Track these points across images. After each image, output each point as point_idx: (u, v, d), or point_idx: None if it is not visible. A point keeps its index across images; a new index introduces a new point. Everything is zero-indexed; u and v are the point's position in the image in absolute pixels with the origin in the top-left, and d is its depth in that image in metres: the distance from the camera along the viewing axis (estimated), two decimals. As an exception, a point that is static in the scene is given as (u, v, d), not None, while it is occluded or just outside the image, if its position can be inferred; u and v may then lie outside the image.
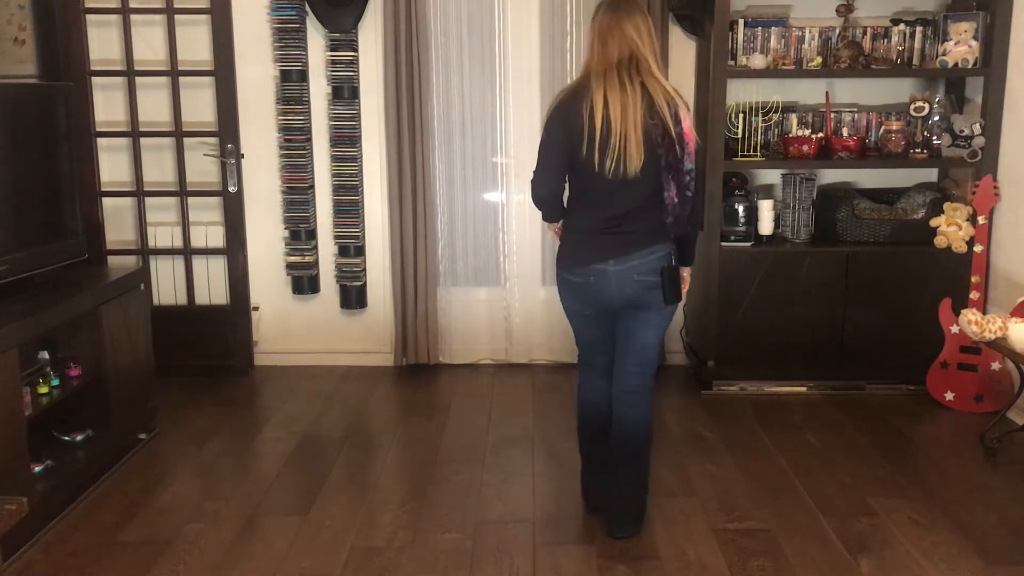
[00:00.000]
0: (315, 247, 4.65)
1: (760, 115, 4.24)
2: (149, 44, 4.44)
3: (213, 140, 4.48)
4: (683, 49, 4.47)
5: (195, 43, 4.43)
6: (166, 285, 4.61)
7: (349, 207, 4.58)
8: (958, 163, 4.14)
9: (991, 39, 4.01)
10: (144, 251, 4.55)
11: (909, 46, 4.22)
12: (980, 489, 3.26)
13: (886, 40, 4.22)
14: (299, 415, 4.06)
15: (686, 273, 2.88)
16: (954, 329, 3.99)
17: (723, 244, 4.18)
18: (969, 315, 3.53)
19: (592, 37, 2.74)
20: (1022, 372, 3.61)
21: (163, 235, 4.57)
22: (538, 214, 3.01)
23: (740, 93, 4.35)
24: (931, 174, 4.52)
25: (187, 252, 4.56)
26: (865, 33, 4.24)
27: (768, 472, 3.42)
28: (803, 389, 4.28)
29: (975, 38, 4.05)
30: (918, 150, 4.18)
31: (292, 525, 3.02)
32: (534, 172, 2.80)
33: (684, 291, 2.86)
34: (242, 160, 4.51)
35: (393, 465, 3.55)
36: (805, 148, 4.15)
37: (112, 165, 4.57)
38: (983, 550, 2.82)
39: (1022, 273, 3.90)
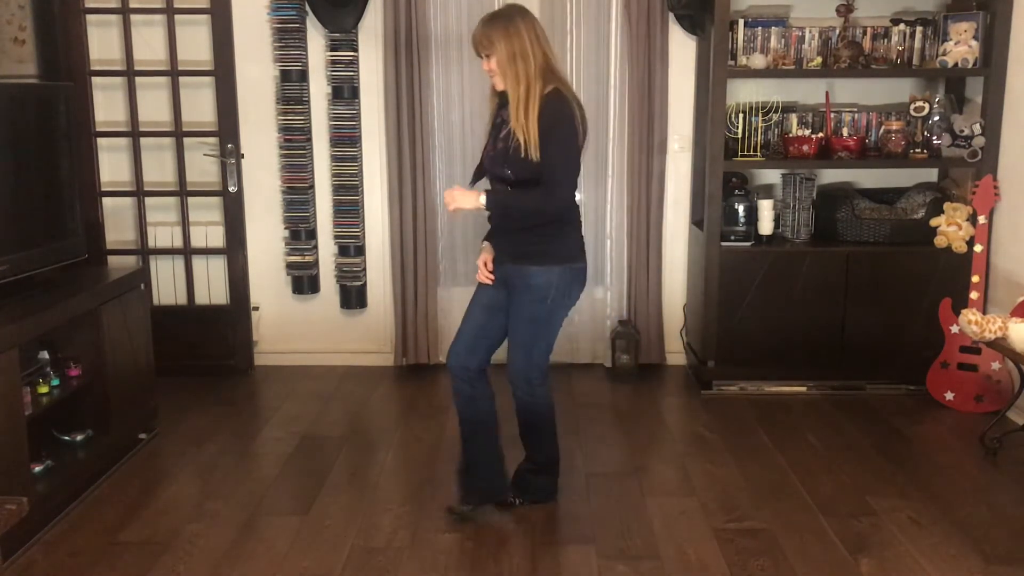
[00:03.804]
0: (315, 247, 4.65)
1: (760, 115, 4.24)
2: (149, 44, 4.44)
3: (213, 140, 4.48)
4: (683, 49, 4.47)
5: (195, 43, 4.43)
6: (166, 285, 4.61)
7: (349, 207, 4.58)
8: (958, 163, 4.14)
9: (991, 39, 4.01)
10: (144, 251, 4.55)
11: (909, 46, 4.22)
12: (980, 489, 3.26)
13: (886, 40, 4.22)
14: (299, 415, 4.06)
15: None
16: (954, 329, 3.99)
17: (723, 244, 4.18)
18: (969, 315, 3.53)
19: (541, 43, 2.81)
20: (1022, 372, 3.61)
21: (163, 235, 4.57)
22: None
23: (740, 93, 4.36)
24: (931, 174, 4.52)
25: (187, 252, 4.56)
26: (865, 33, 4.24)
27: (768, 472, 3.42)
28: (803, 389, 4.28)
29: (975, 38, 4.04)
30: (918, 150, 4.18)
31: (292, 525, 3.02)
32: (565, 178, 2.81)
33: None
34: (242, 160, 4.51)
35: (393, 465, 3.55)
36: (805, 148, 4.15)
37: (112, 165, 4.57)
38: (983, 550, 2.82)
39: (1022, 273, 3.90)
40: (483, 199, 2.86)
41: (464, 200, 2.89)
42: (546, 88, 2.77)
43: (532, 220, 2.87)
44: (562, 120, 2.77)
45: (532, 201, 2.83)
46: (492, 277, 2.98)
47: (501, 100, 2.92)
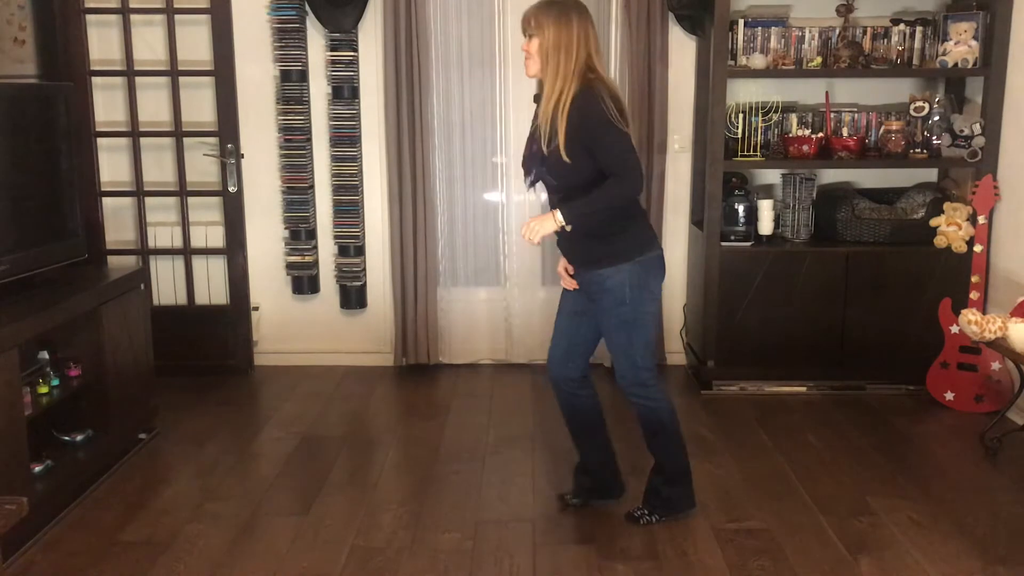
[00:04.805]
0: (315, 247, 4.65)
1: (760, 115, 4.24)
2: (149, 44, 4.44)
3: (213, 140, 4.48)
4: (683, 49, 4.47)
5: (195, 43, 4.43)
6: (166, 285, 4.61)
7: (349, 207, 4.58)
8: (958, 163, 4.14)
9: (991, 39, 4.01)
10: (144, 251, 4.55)
11: (909, 46, 4.22)
12: (980, 489, 3.27)
13: (886, 40, 4.22)
14: (299, 415, 4.06)
15: None
16: (954, 329, 3.98)
17: (723, 244, 4.18)
18: (969, 315, 3.53)
19: (588, 42, 2.72)
20: (1022, 372, 3.61)
21: (163, 235, 4.57)
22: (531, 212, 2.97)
23: (740, 93, 4.35)
24: (931, 174, 4.52)
25: (187, 252, 4.56)
26: (865, 33, 4.24)
27: (768, 472, 3.42)
28: (803, 389, 4.28)
29: (975, 38, 4.04)
30: (918, 150, 4.18)
31: (292, 525, 3.02)
32: (627, 157, 2.70)
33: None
34: (242, 160, 4.51)
35: (393, 465, 3.55)
36: (805, 148, 4.15)
37: (112, 165, 4.57)
38: (983, 550, 2.82)
39: (1022, 273, 3.89)
40: (560, 216, 2.71)
41: (543, 226, 2.73)
42: (578, 87, 2.69)
43: (617, 209, 2.78)
44: (596, 112, 2.66)
45: (607, 195, 2.70)
46: (576, 283, 2.94)
47: (537, 99, 2.86)
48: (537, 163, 2.79)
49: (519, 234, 4.62)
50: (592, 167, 2.71)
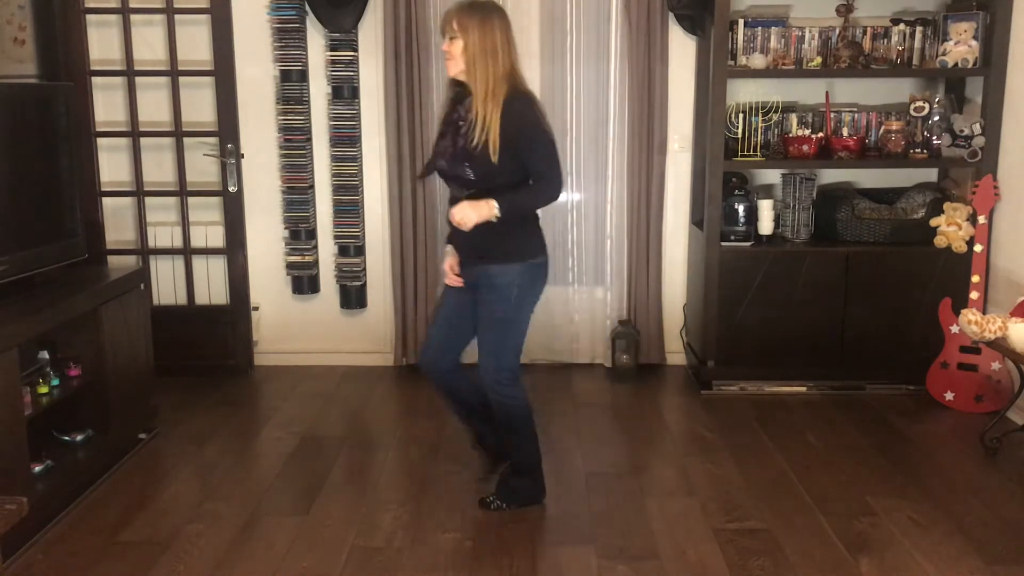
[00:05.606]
0: (315, 247, 4.66)
1: (760, 115, 4.24)
2: (149, 44, 4.44)
3: (213, 140, 4.48)
4: (683, 49, 4.47)
5: (195, 43, 4.43)
6: (166, 285, 4.61)
7: (349, 207, 4.58)
8: (958, 163, 4.14)
9: (991, 39, 4.01)
10: (144, 251, 4.55)
11: (909, 46, 4.22)
12: (980, 489, 3.26)
13: (886, 40, 4.22)
14: (299, 415, 4.06)
15: None
16: (954, 329, 3.99)
17: (723, 244, 4.18)
18: (969, 315, 3.53)
19: (510, 47, 2.82)
20: (1022, 372, 3.61)
21: (163, 235, 4.57)
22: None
23: (740, 93, 4.36)
24: (931, 174, 4.52)
25: (187, 252, 4.56)
26: (865, 33, 4.24)
27: (768, 472, 3.42)
28: (803, 389, 4.28)
29: (975, 38, 4.04)
30: (918, 150, 4.18)
31: (292, 525, 3.02)
32: (556, 168, 2.84)
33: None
34: (242, 160, 4.51)
35: (393, 465, 3.55)
36: (805, 148, 4.15)
37: (112, 165, 4.57)
38: (983, 550, 2.82)
39: (1022, 273, 3.90)
40: (497, 208, 2.77)
41: (477, 212, 2.78)
42: (508, 91, 2.78)
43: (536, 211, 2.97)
44: (532, 119, 2.81)
45: (536, 197, 2.88)
46: (460, 280, 3.01)
47: (456, 96, 2.92)
48: (460, 159, 2.83)
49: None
50: (513, 168, 2.81)
